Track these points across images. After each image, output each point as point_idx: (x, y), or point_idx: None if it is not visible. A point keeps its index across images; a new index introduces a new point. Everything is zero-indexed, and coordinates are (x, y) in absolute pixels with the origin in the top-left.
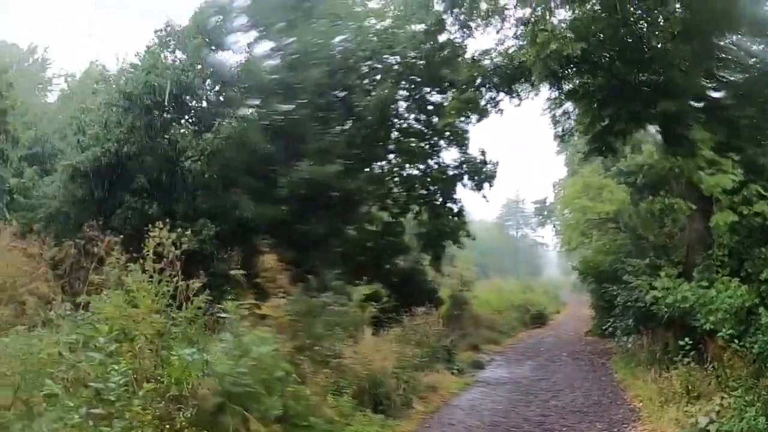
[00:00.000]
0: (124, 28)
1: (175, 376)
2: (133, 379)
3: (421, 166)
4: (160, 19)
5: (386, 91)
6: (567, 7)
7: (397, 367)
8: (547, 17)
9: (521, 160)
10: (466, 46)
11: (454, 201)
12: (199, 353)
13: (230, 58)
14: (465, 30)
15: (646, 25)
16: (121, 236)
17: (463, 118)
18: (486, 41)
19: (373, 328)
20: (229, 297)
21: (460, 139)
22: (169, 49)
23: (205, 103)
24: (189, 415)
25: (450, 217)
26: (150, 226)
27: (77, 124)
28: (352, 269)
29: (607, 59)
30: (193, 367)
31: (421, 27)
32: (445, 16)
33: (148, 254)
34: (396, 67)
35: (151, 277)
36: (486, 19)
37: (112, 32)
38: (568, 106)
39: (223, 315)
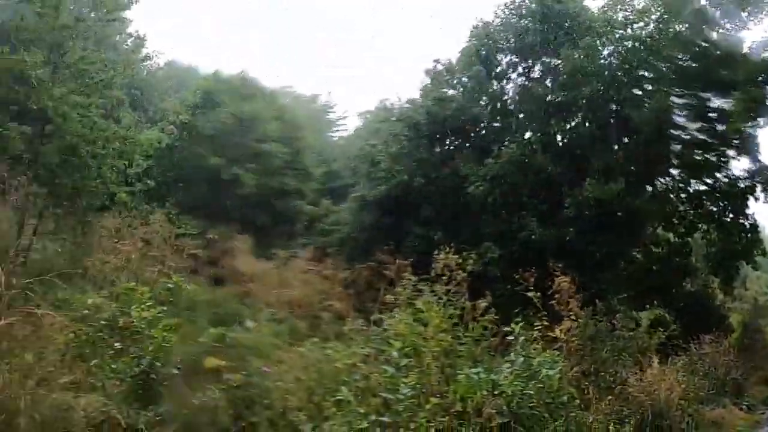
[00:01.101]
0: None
1: (461, 393)
2: (420, 393)
3: (709, 180)
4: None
5: (660, 100)
6: None
7: (682, 398)
8: None
9: None
10: (742, 39)
11: (747, 216)
12: (485, 372)
13: (506, 84)
14: (737, 22)
15: None
16: (409, 260)
17: (750, 122)
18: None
19: (659, 356)
20: (518, 319)
21: (749, 147)
22: (448, 82)
23: (485, 131)
24: None
25: (742, 234)
26: (436, 250)
27: (365, 155)
28: (638, 293)
29: None
30: (479, 385)
31: (685, 27)
32: (712, 10)
33: (436, 276)
34: (666, 72)
35: (440, 298)
36: (758, 5)
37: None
38: None
39: (510, 336)
